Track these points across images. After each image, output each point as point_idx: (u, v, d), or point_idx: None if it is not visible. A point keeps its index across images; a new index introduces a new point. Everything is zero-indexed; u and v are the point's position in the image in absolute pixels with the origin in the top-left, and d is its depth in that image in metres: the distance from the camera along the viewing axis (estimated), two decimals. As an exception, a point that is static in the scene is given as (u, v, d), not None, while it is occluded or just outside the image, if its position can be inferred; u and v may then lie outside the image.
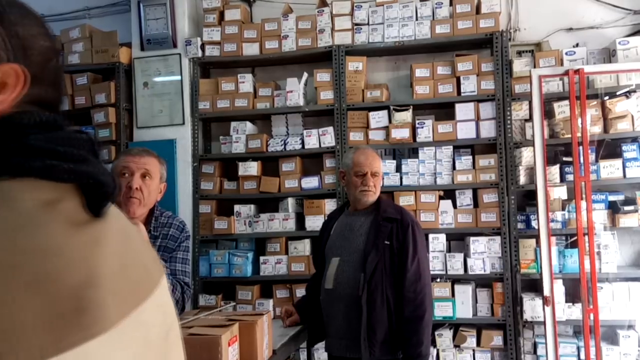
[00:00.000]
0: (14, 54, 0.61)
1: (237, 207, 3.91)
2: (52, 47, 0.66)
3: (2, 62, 0.59)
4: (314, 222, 3.73)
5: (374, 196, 2.54)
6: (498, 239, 3.51)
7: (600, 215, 3.38)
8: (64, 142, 0.60)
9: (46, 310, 0.49)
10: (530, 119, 3.47)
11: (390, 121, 3.71)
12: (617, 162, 3.42)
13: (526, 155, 3.53)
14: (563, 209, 3.44)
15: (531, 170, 3.47)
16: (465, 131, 3.62)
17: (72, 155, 0.60)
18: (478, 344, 3.52)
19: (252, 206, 3.93)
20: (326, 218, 2.96)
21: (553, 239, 3.32)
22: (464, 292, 3.52)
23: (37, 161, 0.57)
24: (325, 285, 2.53)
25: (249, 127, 3.98)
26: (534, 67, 3.54)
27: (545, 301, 3.16)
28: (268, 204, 4.01)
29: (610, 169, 3.42)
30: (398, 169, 3.70)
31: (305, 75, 3.91)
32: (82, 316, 0.52)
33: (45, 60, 0.65)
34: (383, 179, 3.61)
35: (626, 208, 3.39)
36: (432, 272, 3.47)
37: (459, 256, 3.54)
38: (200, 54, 4.03)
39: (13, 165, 0.56)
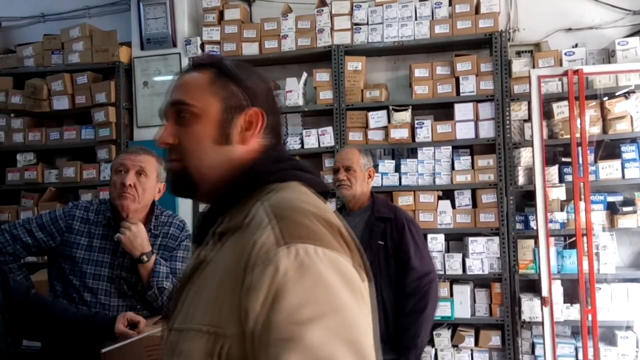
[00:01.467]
0: (251, 100, 0.95)
1: (236, 207, 3.91)
2: (269, 87, 1.01)
3: (246, 108, 0.94)
4: (313, 222, 3.73)
5: (350, 190, 2.55)
6: (496, 239, 3.51)
7: (598, 216, 3.38)
8: (305, 164, 0.99)
9: (329, 231, 0.82)
10: (529, 119, 3.47)
11: (389, 121, 3.72)
12: (616, 163, 3.42)
13: (525, 156, 3.53)
14: (562, 210, 3.44)
15: (530, 171, 3.47)
16: (464, 131, 3.62)
17: (312, 171, 0.99)
18: (476, 343, 3.52)
19: (252, 206, 3.92)
20: None
21: (552, 239, 3.32)
22: (463, 292, 3.52)
23: (307, 174, 0.96)
24: None
25: (248, 126, 3.98)
26: (533, 67, 3.53)
27: (544, 302, 3.16)
28: (267, 203, 4.01)
29: (609, 170, 3.42)
30: (397, 169, 3.71)
31: (305, 75, 3.91)
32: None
33: (268, 98, 0.99)
34: (382, 178, 3.65)
35: (625, 209, 3.39)
36: (430, 272, 3.50)
37: (458, 256, 3.54)
38: (199, 53, 4.03)
39: (296, 176, 0.94)
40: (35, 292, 1.90)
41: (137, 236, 1.96)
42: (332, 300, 0.72)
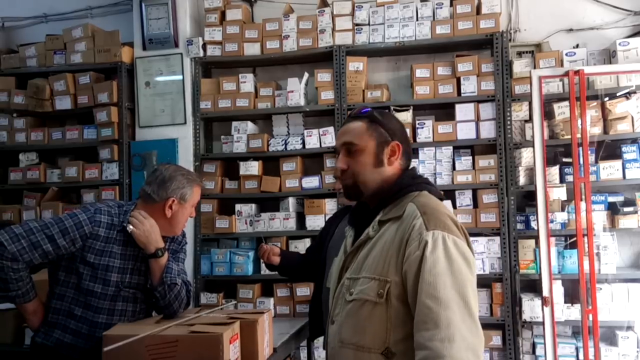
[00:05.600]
0: (391, 136, 1.45)
1: (238, 207, 3.92)
2: (402, 125, 1.52)
3: (390, 142, 1.45)
4: (314, 222, 3.74)
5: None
6: (497, 239, 3.52)
7: (599, 216, 3.39)
8: (428, 179, 1.53)
9: (454, 225, 1.36)
10: (530, 119, 3.47)
11: (390, 121, 3.72)
12: (617, 164, 3.43)
13: (526, 156, 3.54)
14: (562, 210, 3.44)
15: (531, 171, 3.48)
16: (465, 132, 3.63)
17: (432, 184, 1.51)
18: (477, 343, 3.52)
19: (253, 205, 3.94)
20: (332, 215, 3.02)
21: (552, 239, 3.33)
22: (464, 292, 3.52)
23: (431, 187, 1.47)
24: (326, 283, 2.56)
25: (250, 126, 4.00)
26: (534, 67, 3.54)
27: (545, 302, 3.17)
28: (269, 203, 4.03)
29: (609, 170, 3.43)
30: (398, 169, 3.71)
31: (306, 75, 3.92)
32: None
33: (402, 132, 1.49)
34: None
35: (625, 209, 3.40)
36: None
37: (459, 256, 3.54)
38: (201, 53, 4.04)
39: (426, 188, 1.45)
40: None
41: (152, 232, 2.00)
42: (451, 266, 1.26)
